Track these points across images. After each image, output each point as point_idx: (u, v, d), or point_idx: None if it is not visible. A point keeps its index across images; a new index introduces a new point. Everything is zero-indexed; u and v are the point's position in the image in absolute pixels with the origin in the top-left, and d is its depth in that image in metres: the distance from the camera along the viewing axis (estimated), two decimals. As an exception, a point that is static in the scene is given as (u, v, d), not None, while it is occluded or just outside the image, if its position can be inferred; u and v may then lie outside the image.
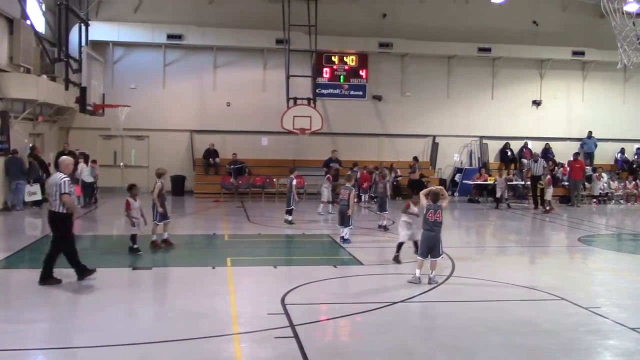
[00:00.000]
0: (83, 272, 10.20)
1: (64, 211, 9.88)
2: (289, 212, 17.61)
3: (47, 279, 9.96)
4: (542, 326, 8.30)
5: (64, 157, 10.67)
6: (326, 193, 20.30)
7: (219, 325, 8.06)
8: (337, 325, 8.41)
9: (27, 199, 19.90)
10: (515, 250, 15.34)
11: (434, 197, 10.58)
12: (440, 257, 10.62)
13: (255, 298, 9.49)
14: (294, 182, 17.87)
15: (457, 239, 17.03)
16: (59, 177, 9.96)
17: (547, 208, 22.08)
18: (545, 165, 24.28)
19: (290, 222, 17.45)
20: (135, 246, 12.40)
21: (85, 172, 21.25)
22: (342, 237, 14.20)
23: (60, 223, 10.03)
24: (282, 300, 9.17)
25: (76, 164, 22.18)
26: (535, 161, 23.88)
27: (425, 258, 10.51)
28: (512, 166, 28.14)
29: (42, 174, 21.02)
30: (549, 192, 22.38)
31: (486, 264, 13.16)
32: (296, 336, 7.55)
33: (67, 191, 9.81)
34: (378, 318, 8.65)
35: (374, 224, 17.15)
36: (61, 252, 10.15)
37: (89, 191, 21.56)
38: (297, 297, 9.43)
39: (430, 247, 10.47)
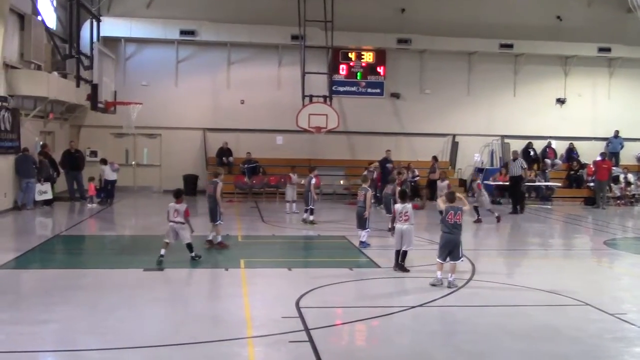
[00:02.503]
0: None
1: None
2: (311, 212, 17.81)
3: None
4: (565, 332, 8.26)
5: None
6: (290, 192, 20.48)
7: (232, 328, 8.11)
8: (352, 330, 8.42)
9: (38, 198, 20.13)
10: (538, 253, 15.25)
11: (451, 197, 10.62)
12: (460, 260, 10.60)
13: (269, 301, 9.54)
14: (313, 181, 18.00)
15: (477, 241, 16.96)
16: None
17: (478, 217, 19.14)
18: (525, 167, 22.75)
19: (312, 222, 17.65)
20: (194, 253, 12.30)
21: (107, 171, 21.50)
22: (361, 241, 14.08)
23: None
24: (297, 303, 9.20)
25: (81, 162, 22.51)
26: (514, 160, 22.63)
27: (444, 261, 10.51)
28: (535, 166, 27.95)
29: (52, 173, 21.29)
30: (483, 200, 19.45)
31: (507, 267, 13.14)
32: (311, 340, 7.58)
33: None
34: (395, 322, 8.66)
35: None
36: None
37: (110, 189, 21.74)
38: (312, 300, 9.45)
39: (449, 250, 10.46)
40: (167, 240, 11.97)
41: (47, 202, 20.55)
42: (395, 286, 10.96)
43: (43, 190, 20.39)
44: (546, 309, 9.51)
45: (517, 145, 28.59)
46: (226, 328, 8.12)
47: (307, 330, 7.96)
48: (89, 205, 20.94)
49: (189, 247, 12.04)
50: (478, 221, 18.87)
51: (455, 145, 28.28)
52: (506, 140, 28.48)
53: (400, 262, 11.57)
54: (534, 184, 26.39)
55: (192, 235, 12.17)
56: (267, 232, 16.60)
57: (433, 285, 10.41)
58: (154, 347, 7.32)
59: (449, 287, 10.33)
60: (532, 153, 28.34)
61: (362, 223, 14.09)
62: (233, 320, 8.47)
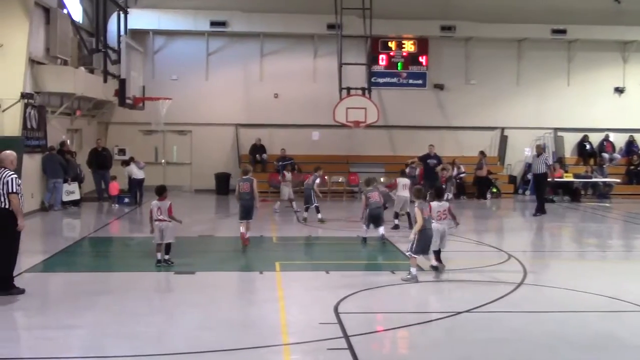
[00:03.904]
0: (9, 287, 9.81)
1: (11, 208, 9.63)
2: (317, 209, 18.08)
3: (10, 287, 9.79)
4: (627, 341, 8.09)
5: (7, 152, 10.10)
6: (286, 191, 20.35)
7: (267, 335, 8.14)
8: (395, 337, 8.37)
9: (65, 198, 20.52)
10: (596, 255, 14.99)
11: (418, 193, 11.71)
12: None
13: (306, 306, 9.55)
14: (318, 180, 18.25)
15: (528, 242, 16.75)
16: (6, 174, 9.64)
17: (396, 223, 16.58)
18: (549, 163, 21.18)
19: (321, 220, 17.92)
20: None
21: (134, 170, 21.82)
22: (382, 235, 14.54)
23: (4, 220, 9.66)
24: (335, 308, 9.18)
25: (108, 160, 22.87)
26: (538, 156, 20.97)
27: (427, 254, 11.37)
28: (592, 161, 27.47)
29: (79, 172, 21.69)
30: (396, 201, 16.80)
31: (562, 270, 12.92)
32: (350, 348, 7.55)
33: (14, 190, 9.58)
34: (440, 329, 8.59)
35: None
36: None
37: (138, 188, 22.05)
38: (352, 306, 9.43)
39: (428, 244, 11.26)
40: (157, 242, 12.10)
41: (75, 203, 20.94)
42: (440, 290, 10.88)
43: (70, 191, 20.79)
44: (606, 315, 9.30)
45: (572, 139, 28.27)
46: (260, 334, 8.15)
47: (346, 337, 7.94)
48: (115, 206, 21.30)
49: (168, 247, 12.08)
50: (395, 227, 16.54)
51: (504, 139, 27.92)
52: (559, 133, 28.03)
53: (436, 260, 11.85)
54: (590, 180, 25.97)
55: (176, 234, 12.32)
56: (304, 233, 16.63)
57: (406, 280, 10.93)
58: (184, 354, 7.37)
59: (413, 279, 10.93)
60: (588, 147, 27.86)
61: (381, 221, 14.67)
62: (268, 326, 8.50)
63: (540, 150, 21.29)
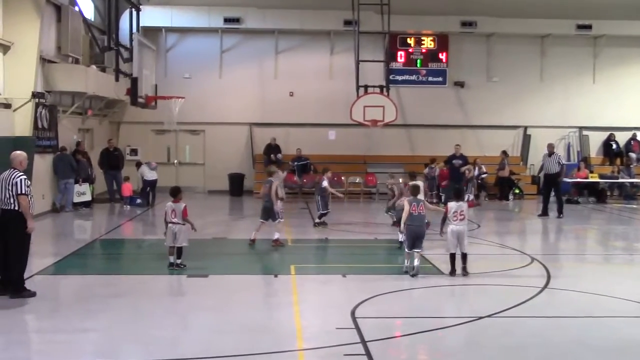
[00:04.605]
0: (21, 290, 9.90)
1: (21, 210, 9.72)
2: (320, 215, 17.91)
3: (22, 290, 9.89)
4: (654, 347, 8.03)
5: (16, 152, 10.15)
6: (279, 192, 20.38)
7: (282, 339, 8.16)
8: (414, 343, 8.34)
9: (76, 199, 20.67)
10: (623, 258, 14.85)
11: (414, 190, 11.89)
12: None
13: (322, 310, 9.58)
14: (325, 183, 17.96)
15: (552, 245, 16.67)
16: (15, 175, 9.72)
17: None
18: (562, 162, 20.65)
19: (317, 225, 17.77)
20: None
21: (145, 171, 21.97)
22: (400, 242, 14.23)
23: (14, 222, 9.78)
24: (352, 313, 9.19)
25: (120, 160, 23.02)
26: (550, 155, 20.68)
27: (411, 250, 11.60)
28: (618, 161, 27.24)
29: (91, 172, 21.85)
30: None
31: (586, 274, 12.81)
32: (368, 354, 7.55)
33: (23, 192, 9.67)
34: (460, 335, 8.58)
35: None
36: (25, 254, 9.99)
37: (151, 189, 22.18)
38: (369, 310, 9.43)
39: (414, 240, 11.52)
40: (169, 245, 12.12)
41: (86, 204, 21.09)
42: (460, 295, 10.86)
43: (81, 192, 20.95)
44: (633, 321, 9.25)
45: (598, 138, 28.06)
46: (275, 339, 8.16)
47: (363, 342, 7.95)
48: (126, 207, 21.44)
49: (180, 251, 12.12)
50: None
51: (527, 139, 27.77)
52: (585, 132, 27.85)
53: (464, 265, 11.65)
54: (616, 181, 25.77)
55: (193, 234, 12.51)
56: (320, 236, 16.64)
57: (406, 272, 11.59)
58: (198, 358, 7.42)
59: (413, 275, 11.38)
60: (614, 146, 27.66)
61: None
62: (282, 331, 8.53)
63: (552, 149, 20.99)
